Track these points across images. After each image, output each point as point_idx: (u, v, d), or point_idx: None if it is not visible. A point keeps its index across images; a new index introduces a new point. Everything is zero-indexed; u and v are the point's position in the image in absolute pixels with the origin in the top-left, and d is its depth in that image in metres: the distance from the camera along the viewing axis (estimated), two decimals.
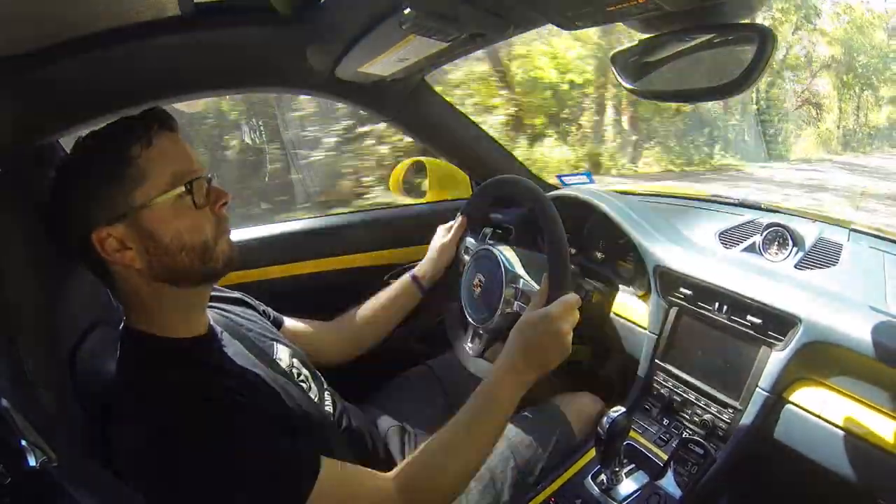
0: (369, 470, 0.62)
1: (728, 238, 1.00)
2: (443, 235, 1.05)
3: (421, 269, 1.03)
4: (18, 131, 0.69)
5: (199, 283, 0.64)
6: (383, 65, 0.82)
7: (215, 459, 0.53)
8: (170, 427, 0.53)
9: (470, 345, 0.97)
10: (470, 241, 1.03)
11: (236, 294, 0.85)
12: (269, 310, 0.90)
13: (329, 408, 0.80)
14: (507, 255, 0.91)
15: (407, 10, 0.60)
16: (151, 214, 0.58)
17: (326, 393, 0.82)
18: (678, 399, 0.91)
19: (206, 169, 0.63)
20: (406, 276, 1.02)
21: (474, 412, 0.66)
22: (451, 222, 1.05)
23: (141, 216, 0.57)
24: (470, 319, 0.94)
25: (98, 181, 0.57)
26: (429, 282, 1.03)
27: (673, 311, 0.93)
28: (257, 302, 0.88)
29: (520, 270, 0.88)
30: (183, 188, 0.59)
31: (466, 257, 1.01)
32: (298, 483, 0.55)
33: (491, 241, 0.99)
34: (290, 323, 0.93)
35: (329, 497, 0.56)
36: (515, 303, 0.86)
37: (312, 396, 0.76)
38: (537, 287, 0.80)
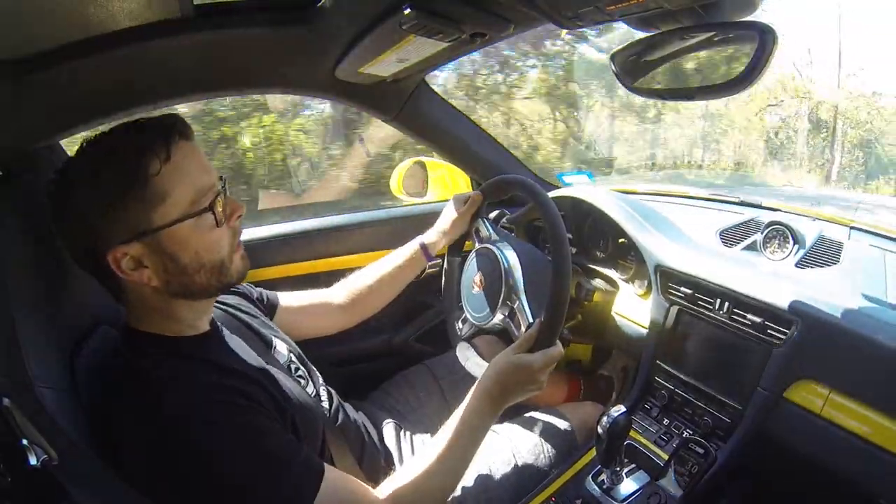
0: (363, 483, 0.63)
1: (729, 237, 1.00)
2: (457, 207, 0.99)
3: (430, 237, 0.99)
4: (19, 132, 0.69)
5: (211, 296, 0.64)
6: (383, 65, 0.82)
7: (219, 460, 0.53)
8: (174, 425, 0.53)
9: (460, 325, 0.99)
10: (482, 223, 1.00)
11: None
12: (264, 292, 0.88)
13: (325, 403, 0.80)
14: (510, 258, 0.89)
15: (407, 11, 0.60)
16: (171, 235, 0.56)
17: (322, 389, 0.82)
18: (678, 398, 0.90)
19: (219, 177, 0.61)
20: (414, 243, 0.99)
21: (454, 433, 0.68)
22: (467, 193, 1.01)
23: (160, 236, 0.55)
24: (470, 318, 0.94)
25: (116, 200, 0.53)
26: (436, 249, 1.00)
27: (673, 311, 0.92)
28: (251, 288, 0.87)
29: (519, 286, 0.84)
30: (205, 207, 0.57)
31: (476, 240, 0.99)
32: (302, 488, 0.55)
33: (497, 236, 0.97)
34: (287, 298, 0.91)
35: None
36: (507, 320, 0.85)
37: (310, 392, 0.76)
38: (531, 318, 0.79)
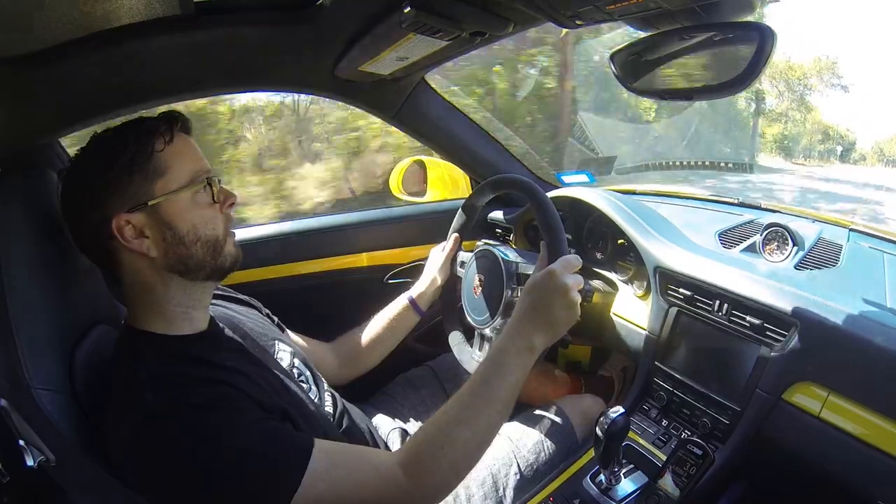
0: (370, 448, 0.62)
1: (728, 238, 1.00)
2: (436, 256, 1.05)
3: (417, 290, 1.03)
4: (18, 131, 0.69)
5: (206, 279, 0.65)
6: (383, 63, 0.82)
7: (206, 446, 0.53)
8: (159, 414, 0.53)
9: (478, 352, 0.96)
10: (463, 255, 1.02)
11: (243, 296, 0.86)
12: (274, 317, 0.91)
13: (329, 408, 0.80)
14: (505, 250, 0.91)
15: (407, 9, 0.60)
16: (171, 206, 0.60)
17: (327, 394, 0.82)
18: (677, 400, 0.90)
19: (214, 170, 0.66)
20: (403, 299, 1.02)
21: (482, 379, 0.64)
22: (443, 243, 1.05)
23: (160, 206, 0.60)
24: (472, 322, 0.94)
25: (121, 171, 0.58)
26: (426, 303, 1.03)
27: (672, 312, 0.92)
28: (261, 305, 0.89)
29: (519, 260, 0.88)
30: (202, 183, 0.62)
31: (461, 270, 1.00)
32: (290, 465, 0.54)
33: (491, 243, 0.98)
34: (291, 336, 0.93)
35: (327, 473, 0.55)
36: (518, 297, 0.85)
37: (312, 396, 0.76)
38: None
